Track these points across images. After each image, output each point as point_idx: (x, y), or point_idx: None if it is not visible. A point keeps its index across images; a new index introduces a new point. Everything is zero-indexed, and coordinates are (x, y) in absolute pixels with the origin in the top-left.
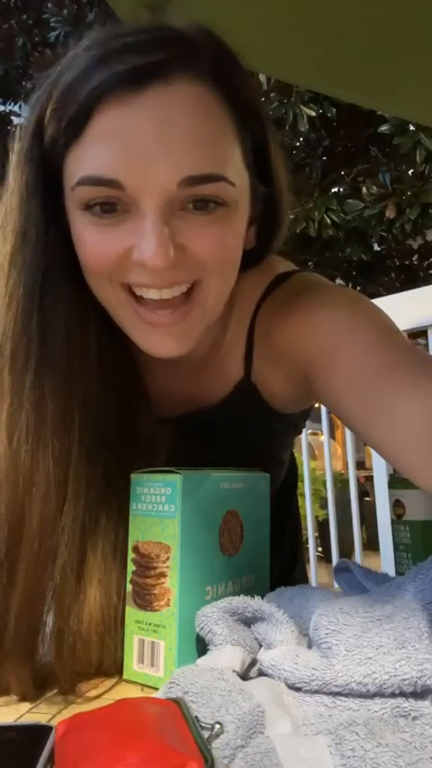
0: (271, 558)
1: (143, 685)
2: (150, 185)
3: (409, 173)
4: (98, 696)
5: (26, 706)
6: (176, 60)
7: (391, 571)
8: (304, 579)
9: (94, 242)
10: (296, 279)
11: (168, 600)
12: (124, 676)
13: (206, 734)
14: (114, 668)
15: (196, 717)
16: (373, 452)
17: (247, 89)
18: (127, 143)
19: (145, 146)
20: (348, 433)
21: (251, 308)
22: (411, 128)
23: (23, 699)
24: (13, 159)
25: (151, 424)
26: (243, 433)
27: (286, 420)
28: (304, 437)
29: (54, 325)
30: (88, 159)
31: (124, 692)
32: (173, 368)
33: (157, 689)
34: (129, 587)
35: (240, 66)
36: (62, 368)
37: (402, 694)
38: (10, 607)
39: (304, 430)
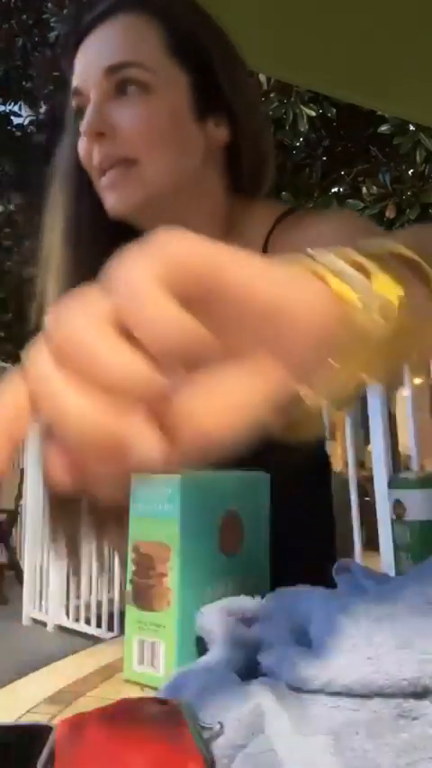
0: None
1: (143, 685)
2: (89, 81)
3: (409, 173)
4: (98, 696)
5: (26, 706)
6: (118, 4)
7: (391, 571)
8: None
9: (80, 142)
10: (308, 209)
11: (168, 600)
12: (124, 676)
13: (206, 734)
14: None
15: (196, 716)
16: (373, 454)
17: (186, 15)
18: (81, 62)
19: (88, 59)
20: (348, 433)
21: (268, 225)
22: (411, 128)
23: None
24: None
25: None
26: None
27: None
28: None
29: (82, 226)
30: (73, 81)
31: (124, 692)
32: None
33: (157, 689)
34: (129, 587)
35: (185, 2)
36: (88, 263)
37: (402, 694)
38: None
39: None
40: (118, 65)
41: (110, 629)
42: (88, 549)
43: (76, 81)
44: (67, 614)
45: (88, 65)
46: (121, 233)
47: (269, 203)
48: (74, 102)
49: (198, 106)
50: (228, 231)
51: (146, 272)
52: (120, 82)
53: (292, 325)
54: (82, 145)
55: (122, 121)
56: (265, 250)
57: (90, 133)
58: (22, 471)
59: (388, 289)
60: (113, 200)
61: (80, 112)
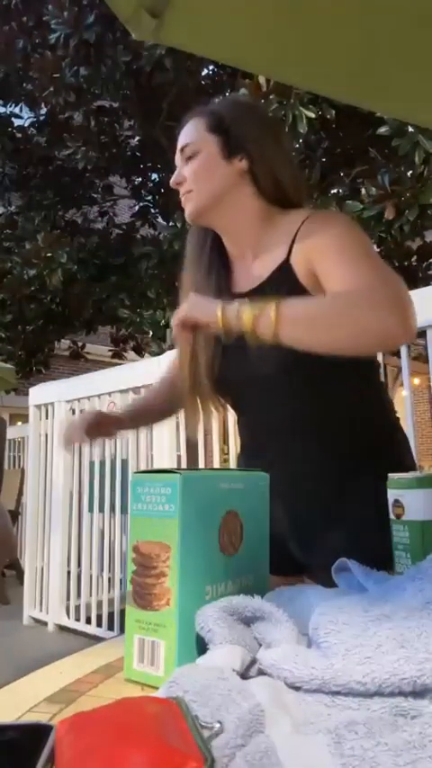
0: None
1: (143, 684)
2: (176, 160)
3: (408, 174)
4: (98, 695)
5: (26, 705)
6: (193, 114)
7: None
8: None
9: None
10: (334, 212)
11: (168, 599)
12: (124, 676)
13: (206, 733)
14: None
15: (196, 716)
16: None
17: (216, 113)
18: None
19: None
20: None
21: (296, 224)
22: (410, 129)
23: None
24: None
25: (230, 293)
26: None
27: None
28: None
29: (197, 239)
30: None
31: (124, 691)
32: (243, 254)
33: (157, 688)
34: (129, 587)
35: (228, 100)
36: (196, 258)
37: (401, 693)
38: None
39: None
40: (182, 147)
41: (110, 628)
42: (89, 550)
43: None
44: (68, 614)
45: (177, 151)
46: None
47: (305, 210)
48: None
49: (225, 152)
50: (266, 227)
51: (180, 312)
52: (186, 155)
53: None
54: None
55: (185, 174)
56: (294, 240)
57: (173, 184)
58: (22, 471)
59: (247, 312)
60: (186, 212)
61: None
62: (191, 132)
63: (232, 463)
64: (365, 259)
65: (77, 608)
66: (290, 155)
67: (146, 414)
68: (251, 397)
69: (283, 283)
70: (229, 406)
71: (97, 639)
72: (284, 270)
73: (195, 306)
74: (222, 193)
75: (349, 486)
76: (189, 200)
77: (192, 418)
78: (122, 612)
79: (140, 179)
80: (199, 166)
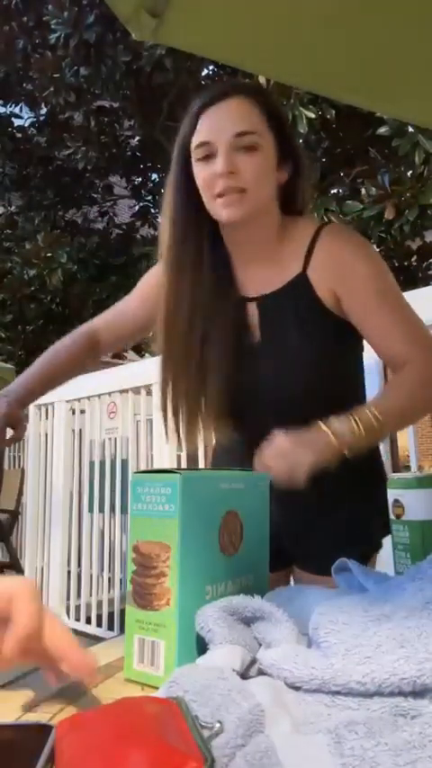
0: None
1: (143, 684)
2: (222, 139)
3: (408, 174)
4: (98, 695)
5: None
6: (233, 90)
7: (391, 571)
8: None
9: (201, 173)
10: (343, 226)
11: (168, 599)
12: (124, 676)
13: (206, 733)
14: None
15: (196, 716)
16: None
17: (270, 100)
18: (211, 123)
19: (219, 123)
20: None
21: (310, 234)
22: (410, 129)
23: None
24: (174, 150)
25: (238, 297)
26: (300, 316)
27: (334, 325)
28: None
29: (188, 232)
30: (197, 137)
31: (124, 691)
32: (254, 262)
33: (157, 688)
34: (129, 587)
35: (267, 94)
36: (191, 256)
37: (401, 693)
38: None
39: None
40: (244, 132)
41: (110, 628)
42: (89, 550)
43: (206, 137)
44: (68, 614)
45: (219, 128)
46: (212, 236)
47: (309, 218)
48: (201, 149)
49: (278, 157)
50: (281, 238)
51: (281, 472)
52: (243, 142)
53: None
54: (204, 176)
55: (243, 166)
56: (309, 252)
57: (225, 172)
58: (22, 471)
59: (355, 432)
60: (229, 213)
61: (205, 156)
62: (250, 118)
63: None
64: (403, 310)
65: (77, 608)
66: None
67: (56, 380)
68: (260, 417)
69: (301, 296)
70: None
71: (97, 639)
72: (301, 281)
73: (297, 453)
74: (268, 204)
75: (344, 479)
76: (240, 201)
77: (191, 442)
78: (122, 612)
79: (140, 179)
80: (262, 166)
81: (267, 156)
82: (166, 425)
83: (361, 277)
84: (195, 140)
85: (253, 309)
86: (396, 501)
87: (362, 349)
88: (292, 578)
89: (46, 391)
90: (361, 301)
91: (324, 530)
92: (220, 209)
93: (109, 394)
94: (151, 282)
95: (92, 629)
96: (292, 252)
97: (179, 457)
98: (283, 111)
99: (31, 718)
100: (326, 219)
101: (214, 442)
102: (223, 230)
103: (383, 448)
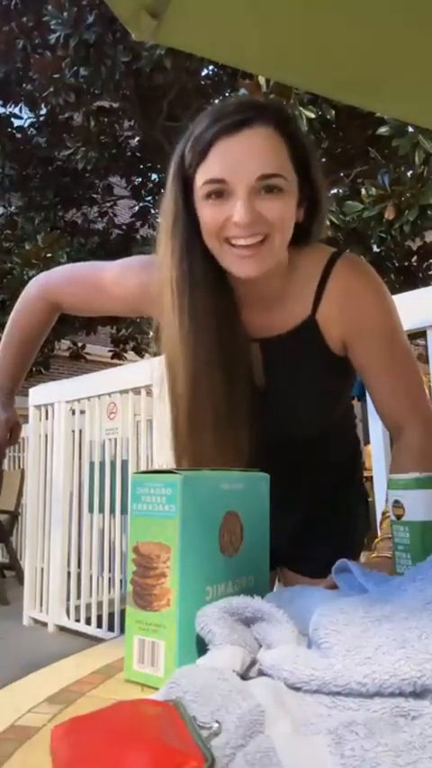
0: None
1: (143, 685)
2: (242, 180)
3: (408, 174)
4: (98, 696)
5: (26, 706)
6: (256, 116)
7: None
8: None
9: (210, 214)
10: (357, 259)
11: (168, 600)
12: (124, 676)
13: (205, 733)
14: None
15: (194, 717)
16: (373, 455)
17: (296, 132)
18: (229, 159)
19: (240, 160)
20: None
21: (319, 269)
22: (410, 129)
23: None
24: (168, 176)
25: (243, 339)
26: (306, 361)
27: (339, 365)
28: None
29: (195, 273)
30: (208, 170)
31: (124, 691)
32: (257, 302)
33: (157, 689)
34: (129, 587)
35: (293, 120)
36: (197, 299)
37: (402, 694)
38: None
39: None
40: (271, 174)
41: (110, 629)
42: (89, 550)
43: (221, 173)
44: (68, 614)
45: (240, 167)
46: (220, 278)
47: (314, 247)
48: (213, 186)
49: (299, 199)
50: (290, 272)
51: None
52: (268, 185)
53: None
54: (214, 217)
55: (267, 212)
56: (321, 286)
57: (247, 223)
58: (22, 472)
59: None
60: (249, 268)
61: (218, 193)
62: (277, 156)
63: None
64: (408, 370)
65: (77, 608)
66: None
67: (31, 358)
68: (262, 454)
69: (309, 341)
70: None
71: (97, 640)
72: (310, 325)
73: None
74: (285, 249)
75: (341, 492)
76: (265, 252)
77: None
78: (122, 613)
79: (140, 179)
80: (288, 212)
81: (292, 202)
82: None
83: (372, 330)
84: (205, 173)
85: (256, 350)
86: (396, 502)
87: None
88: (277, 580)
89: (24, 374)
90: (370, 356)
91: (318, 536)
92: (232, 261)
93: (109, 394)
94: (133, 291)
95: (92, 629)
96: (300, 291)
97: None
98: (306, 139)
99: (32, 718)
100: (327, 221)
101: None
102: (229, 274)
103: (383, 448)
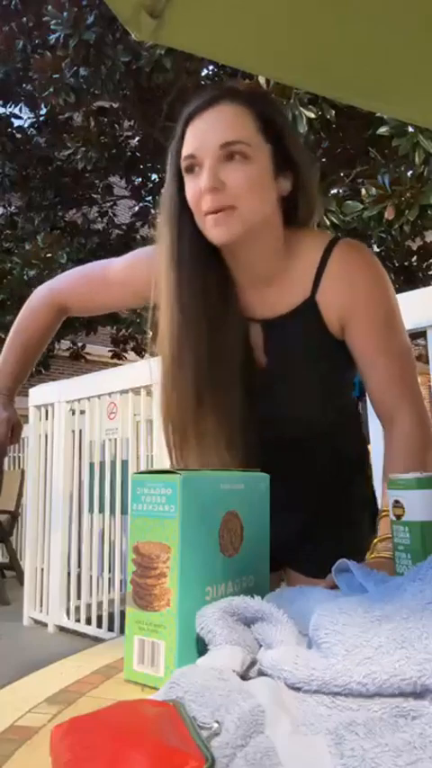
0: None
1: (143, 685)
2: (207, 151)
3: (408, 174)
4: (98, 696)
5: (26, 706)
6: (225, 95)
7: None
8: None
9: (188, 189)
10: (357, 243)
11: (168, 600)
12: (125, 677)
13: (204, 733)
14: None
15: (194, 717)
16: (373, 454)
17: (268, 107)
18: (197, 135)
19: (205, 132)
20: None
21: (319, 252)
22: (410, 129)
23: None
24: (168, 160)
25: (236, 316)
26: (307, 343)
27: (338, 349)
28: None
29: (183, 251)
30: (184, 149)
31: (124, 692)
32: (256, 282)
33: (157, 689)
34: (129, 588)
35: (266, 99)
36: (188, 278)
37: (402, 694)
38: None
39: None
40: (231, 141)
41: (110, 629)
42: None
43: (191, 149)
44: (68, 615)
45: (204, 139)
46: (210, 256)
47: (314, 232)
48: (186, 162)
49: (274, 167)
50: (287, 254)
51: None
52: (230, 153)
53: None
54: (192, 192)
55: (230, 180)
56: (321, 268)
57: (208, 188)
58: (22, 472)
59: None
60: (219, 234)
61: (190, 169)
62: (241, 127)
63: None
64: (402, 357)
65: (77, 609)
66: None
67: (34, 360)
68: (265, 438)
69: (310, 321)
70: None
71: (97, 640)
72: (310, 306)
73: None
74: (266, 218)
75: (346, 493)
76: (229, 220)
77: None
78: (122, 613)
79: (140, 179)
80: (254, 178)
81: (261, 167)
82: (167, 442)
83: (368, 311)
84: (183, 152)
85: (257, 331)
86: (396, 502)
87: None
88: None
89: (27, 375)
90: (366, 338)
91: (323, 538)
92: (209, 229)
93: (109, 395)
94: (141, 274)
95: (92, 630)
96: (300, 273)
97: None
98: (280, 115)
99: (32, 718)
100: (326, 220)
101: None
102: (222, 249)
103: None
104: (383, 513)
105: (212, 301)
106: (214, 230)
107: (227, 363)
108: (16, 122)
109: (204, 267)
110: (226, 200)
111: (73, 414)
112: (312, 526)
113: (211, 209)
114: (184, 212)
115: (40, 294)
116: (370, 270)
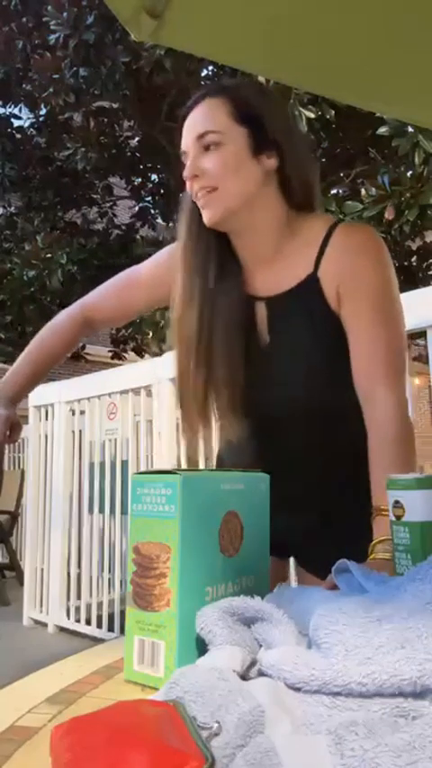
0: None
1: (143, 685)
2: (188, 146)
3: (408, 174)
4: (98, 696)
5: (26, 706)
6: (209, 92)
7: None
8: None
9: (186, 182)
10: (359, 223)
11: (168, 600)
12: (125, 677)
13: (204, 733)
14: None
15: (194, 717)
16: None
17: (245, 93)
18: (183, 133)
19: (186, 131)
20: None
21: (323, 232)
22: (410, 129)
23: None
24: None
25: (246, 295)
26: (310, 318)
27: (338, 328)
28: None
29: (192, 238)
30: (181, 146)
31: (124, 692)
32: (260, 261)
33: (157, 689)
34: (129, 588)
35: (250, 87)
36: (200, 256)
37: (402, 694)
38: None
39: None
40: (203, 133)
41: (110, 629)
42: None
43: (182, 146)
44: (68, 615)
45: (186, 135)
46: (220, 242)
47: (320, 215)
48: (183, 158)
49: (253, 147)
50: (291, 234)
51: None
52: (206, 144)
53: None
54: (186, 185)
55: (206, 166)
56: (321, 252)
57: (189, 176)
58: (22, 472)
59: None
60: (207, 214)
61: (185, 163)
62: (212, 118)
63: None
64: (392, 342)
65: (77, 609)
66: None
67: (46, 371)
68: (268, 416)
69: (312, 297)
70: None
71: (97, 641)
72: (312, 282)
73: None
74: (252, 196)
75: (347, 492)
76: (214, 200)
77: (192, 439)
78: (123, 614)
79: (140, 179)
80: (227, 160)
81: (234, 150)
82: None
83: (362, 285)
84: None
85: (262, 309)
86: (396, 502)
87: None
88: (292, 572)
89: (36, 386)
90: (357, 310)
91: (326, 537)
92: (203, 214)
93: (109, 395)
94: (164, 266)
95: (92, 630)
96: (303, 251)
97: (179, 458)
98: (259, 98)
99: (32, 718)
100: (306, 167)
101: (221, 440)
102: (229, 234)
103: None
104: (378, 512)
105: (220, 283)
106: (204, 212)
107: (232, 340)
108: (16, 122)
109: (214, 252)
110: (207, 182)
111: (73, 414)
112: (314, 522)
113: (195, 192)
114: (194, 204)
115: (69, 308)
116: (372, 246)
